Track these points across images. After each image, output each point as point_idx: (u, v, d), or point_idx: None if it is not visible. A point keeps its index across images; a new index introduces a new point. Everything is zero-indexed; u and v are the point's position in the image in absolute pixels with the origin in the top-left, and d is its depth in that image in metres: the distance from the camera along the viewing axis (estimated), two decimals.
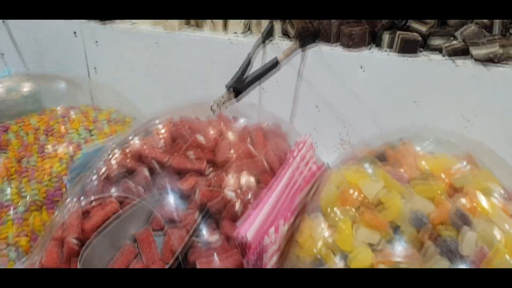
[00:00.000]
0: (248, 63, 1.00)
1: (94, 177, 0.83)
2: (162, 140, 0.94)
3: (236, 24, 1.19)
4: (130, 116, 1.23)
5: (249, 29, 1.22)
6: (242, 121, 1.01)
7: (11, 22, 1.38)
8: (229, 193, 0.80)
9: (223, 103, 0.89)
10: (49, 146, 1.01)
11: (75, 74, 1.36)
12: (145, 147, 0.92)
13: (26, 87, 1.18)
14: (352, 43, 1.05)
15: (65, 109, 1.17)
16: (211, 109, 0.89)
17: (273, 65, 0.97)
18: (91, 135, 1.06)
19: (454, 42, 1.01)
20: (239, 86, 0.89)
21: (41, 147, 1.02)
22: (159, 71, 1.25)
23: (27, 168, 0.97)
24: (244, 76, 0.96)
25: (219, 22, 1.21)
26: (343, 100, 1.11)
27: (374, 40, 1.08)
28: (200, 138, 0.91)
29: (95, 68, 1.33)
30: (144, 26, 1.25)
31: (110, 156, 0.90)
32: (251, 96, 1.21)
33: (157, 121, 1.07)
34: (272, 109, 1.03)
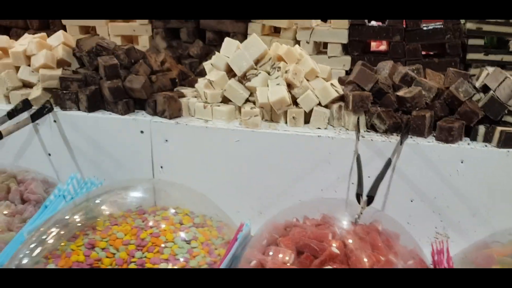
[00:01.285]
0: (360, 164, 0.98)
1: None
2: (290, 254, 0.88)
3: (320, 120, 1.18)
4: (208, 217, 1.16)
5: (329, 122, 1.21)
6: (351, 222, 0.97)
7: (63, 122, 1.30)
8: None
9: (361, 213, 0.86)
10: (151, 265, 0.92)
11: (138, 172, 1.29)
12: (276, 265, 0.86)
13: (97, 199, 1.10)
14: (452, 138, 1.06)
15: (137, 214, 1.08)
16: (355, 222, 0.85)
17: (388, 165, 0.96)
18: (192, 247, 0.98)
19: None
20: (371, 193, 0.86)
21: (141, 265, 0.93)
22: (239, 168, 1.20)
23: None
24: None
25: (301, 118, 1.19)
26: (440, 193, 1.10)
27: (468, 134, 1.10)
28: (335, 250, 0.87)
29: (161, 166, 1.26)
30: (219, 123, 1.21)
31: None
32: (339, 191, 1.18)
33: (265, 229, 1.01)
34: None
